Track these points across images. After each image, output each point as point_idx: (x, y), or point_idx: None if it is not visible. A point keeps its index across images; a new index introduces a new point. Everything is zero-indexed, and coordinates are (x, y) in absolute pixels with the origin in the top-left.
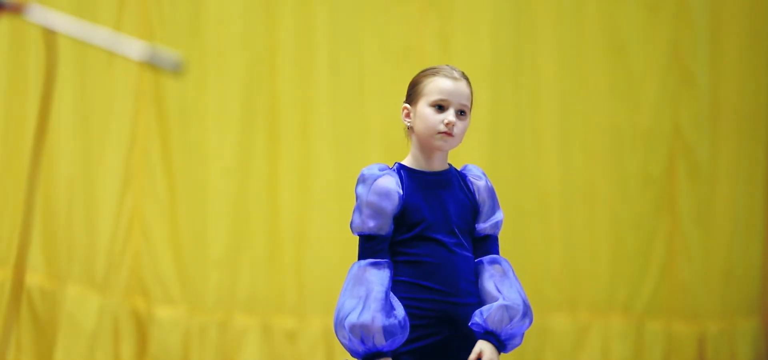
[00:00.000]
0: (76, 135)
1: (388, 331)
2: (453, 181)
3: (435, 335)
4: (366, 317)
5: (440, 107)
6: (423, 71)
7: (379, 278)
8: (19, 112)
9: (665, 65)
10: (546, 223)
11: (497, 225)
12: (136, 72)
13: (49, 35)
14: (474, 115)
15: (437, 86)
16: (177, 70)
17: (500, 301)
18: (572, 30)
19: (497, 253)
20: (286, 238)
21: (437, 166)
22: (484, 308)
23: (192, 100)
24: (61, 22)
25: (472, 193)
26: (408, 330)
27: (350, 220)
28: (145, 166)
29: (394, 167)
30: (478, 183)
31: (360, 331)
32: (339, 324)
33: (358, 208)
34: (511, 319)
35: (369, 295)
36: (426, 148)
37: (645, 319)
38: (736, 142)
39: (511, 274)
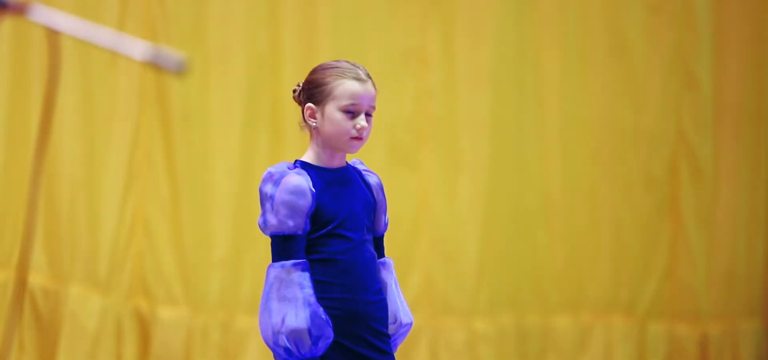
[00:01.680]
0: (79, 135)
1: (323, 335)
2: (353, 177)
3: (349, 333)
4: (301, 322)
5: (351, 112)
6: (325, 69)
7: (304, 280)
8: (22, 112)
9: (668, 67)
10: (548, 225)
11: (387, 225)
12: (140, 72)
13: (52, 35)
14: (476, 116)
15: (347, 90)
16: (180, 70)
17: (409, 321)
18: (575, 31)
19: (384, 253)
20: None
21: (337, 163)
22: (399, 325)
23: (195, 100)
24: (64, 22)
25: (370, 189)
26: (333, 331)
27: (260, 221)
28: (148, 167)
29: (297, 165)
30: (372, 179)
31: (298, 337)
32: (274, 332)
33: (272, 208)
34: (400, 337)
35: (300, 299)
36: (332, 149)
37: (647, 320)
38: (739, 144)
39: (397, 281)
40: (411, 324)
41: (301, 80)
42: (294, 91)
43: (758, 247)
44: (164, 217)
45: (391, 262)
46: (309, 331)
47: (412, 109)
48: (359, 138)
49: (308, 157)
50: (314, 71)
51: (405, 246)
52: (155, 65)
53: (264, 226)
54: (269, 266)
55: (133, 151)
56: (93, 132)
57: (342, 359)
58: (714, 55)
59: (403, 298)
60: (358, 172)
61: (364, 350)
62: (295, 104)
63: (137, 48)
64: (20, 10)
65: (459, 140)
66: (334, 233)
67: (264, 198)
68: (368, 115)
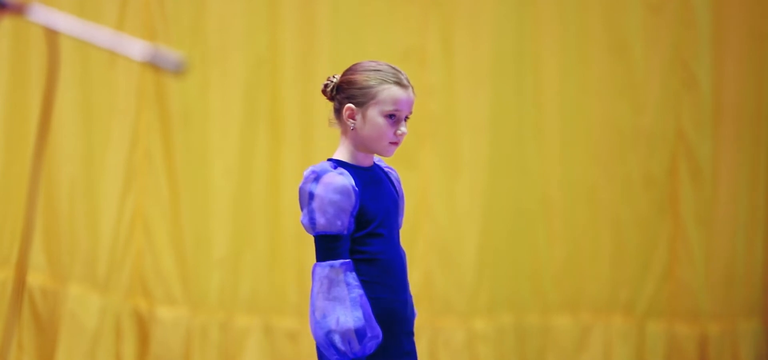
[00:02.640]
0: (78, 135)
1: (375, 334)
2: (381, 175)
3: (390, 332)
4: (355, 321)
5: (392, 117)
6: (367, 70)
7: (354, 279)
8: (21, 111)
9: (667, 67)
10: (547, 224)
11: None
12: (138, 72)
13: (52, 35)
14: (475, 115)
15: (392, 96)
16: (179, 70)
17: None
18: (574, 31)
19: None
20: (288, 238)
21: (369, 162)
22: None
23: (194, 100)
24: (63, 22)
25: (394, 185)
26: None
27: (304, 220)
28: (147, 166)
29: (333, 164)
30: (394, 175)
31: (351, 337)
32: (327, 331)
33: (320, 208)
34: None
35: (352, 300)
36: (368, 150)
37: (646, 320)
38: (738, 143)
39: None
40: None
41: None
42: (325, 86)
43: (757, 247)
44: (163, 217)
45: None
46: (361, 330)
47: None
48: (396, 143)
49: (343, 155)
50: (354, 71)
51: (404, 245)
52: (154, 65)
53: (310, 226)
54: (316, 266)
55: (132, 150)
56: (92, 131)
57: (381, 356)
58: (713, 54)
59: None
60: (382, 169)
61: (402, 349)
62: (294, 103)
63: (136, 48)
64: (19, 10)
65: (458, 139)
66: (374, 233)
67: (308, 197)
68: (406, 119)
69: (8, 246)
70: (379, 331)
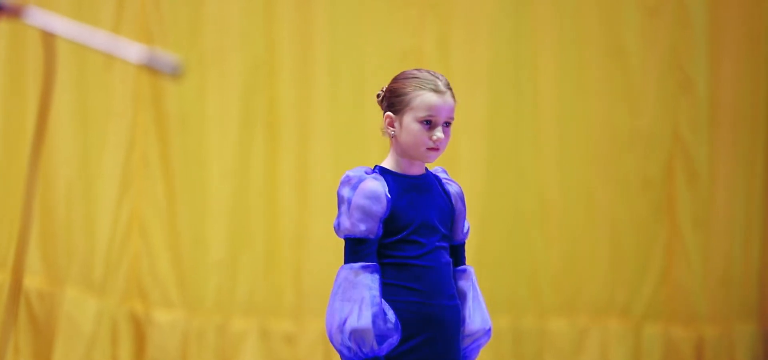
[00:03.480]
0: (74, 137)
1: (384, 336)
2: (432, 184)
3: (420, 337)
4: (364, 322)
5: (428, 123)
6: (405, 78)
7: (372, 282)
8: (17, 114)
9: (664, 69)
10: (544, 226)
11: (468, 233)
12: (135, 75)
13: (48, 38)
14: (472, 117)
15: (426, 102)
16: (176, 73)
17: (487, 327)
18: (571, 33)
19: (466, 261)
20: (285, 241)
21: (417, 170)
22: (476, 334)
23: (191, 103)
24: (60, 24)
25: (449, 197)
26: (400, 333)
27: (335, 223)
28: (144, 169)
29: (376, 170)
30: (452, 188)
31: (360, 337)
32: (336, 330)
33: (347, 212)
34: (476, 349)
35: (364, 300)
36: (410, 157)
37: (643, 322)
38: (735, 146)
39: (477, 286)
40: (490, 330)
41: (297, 83)
42: (377, 96)
43: (754, 249)
44: (160, 220)
45: (472, 270)
46: (371, 331)
47: None
48: (436, 149)
49: (388, 163)
50: (395, 79)
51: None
52: (151, 68)
53: (338, 229)
54: (340, 268)
55: (129, 153)
56: (88, 134)
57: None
58: (709, 57)
59: (483, 304)
60: (439, 180)
61: (439, 353)
62: (291, 106)
63: (133, 50)
64: (16, 13)
65: (455, 141)
66: (408, 239)
67: (340, 201)
68: (447, 125)
69: (5, 248)
70: (394, 334)
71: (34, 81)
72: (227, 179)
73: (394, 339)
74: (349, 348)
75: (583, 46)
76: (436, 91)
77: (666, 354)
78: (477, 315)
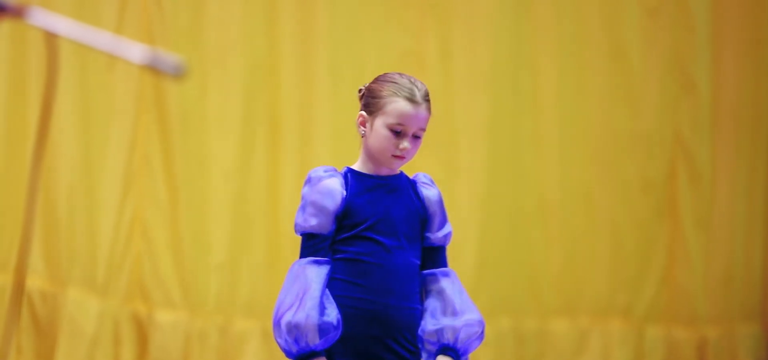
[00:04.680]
0: (76, 138)
1: (322, 330)
2: (402, 187)
3: (365, 334)
4: (300, 316)
5: (397, 132)
6: (385, 81)
7: (316, 276)
8: (20, 115)
9: (666, 70)
10: (546, 228)
11: (448, 237)
12: (137, 75)
13: (51, 38)
14: (473, 119)
15: (398, 110)
16: (178, 73)
17: (466, 319)
18: (572, 35)
19: (447, 265)
20: (286, 242)
21: (386, 171)
22: (448, 326)
23: (193, 103)
24: (63, 25)
25: (422, 201)
26: (341, 329)
27: (295, 220)
28: (146, 170)
29: (343, 170)
30: (428, 192)
31: (295, 330)
32: (276, 323)
33: (302, 208)
34: (470, 337)
35: (305, 294)
36: (373, 159)
37: (645, 324)
38: (737, 147)
39: (463, 288)
40: (480, 321)
41: (299, 84)
42: (359, 91)
43: (756, 251)
44: (162, 221)
45: (454, 273)
46: (308, 325)
47: None
48: (401, 157)
49: (357, 163)
50: (376, 80)
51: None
52: (153, 68)
53: (295, 225)
54: (293, 263)
55: (131, 154)
56: (91, 135)
57: (352, 357)
58: (711, 58)
59: (467, 298)
60: (413, 184)
61: (381, 352)
62: (293, 107)
63: (135, 51)
64: (18, 13)
65: (456, 143)
66: (362, 235)
67: (302, 199)
68: (416, 137)
69: (7, 250)
70: (332, 330)
71: (37, 81)
72: (229, 180)
73: (333, 335)
74: (286, 341)
75: (584, 47)
76: (412, 101)
77: (668, 355)
78: (468, 308)
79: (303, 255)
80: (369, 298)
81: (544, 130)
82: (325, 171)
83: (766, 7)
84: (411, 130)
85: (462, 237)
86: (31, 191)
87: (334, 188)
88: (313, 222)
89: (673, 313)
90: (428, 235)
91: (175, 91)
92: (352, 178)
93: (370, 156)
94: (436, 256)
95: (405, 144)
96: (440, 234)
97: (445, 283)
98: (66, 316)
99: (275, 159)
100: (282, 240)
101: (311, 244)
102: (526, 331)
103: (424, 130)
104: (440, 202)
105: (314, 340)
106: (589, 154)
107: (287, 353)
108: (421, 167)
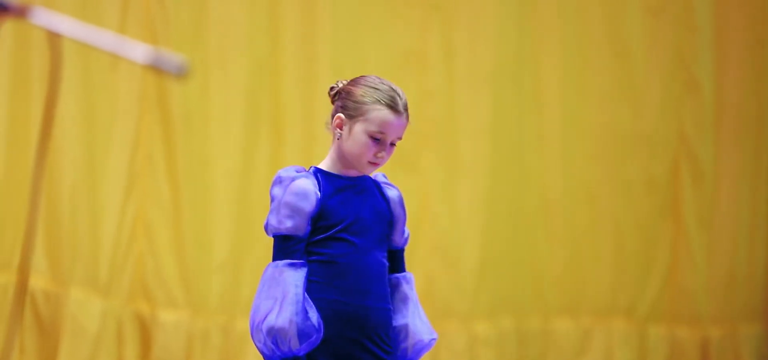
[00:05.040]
0: (79, 138)
1: (304, 334)
2: (369, 187)
3: (343, 335)
4: (283, 320)
5: (377, 139)
6: (367, 86)
7: (294, 279)
8: (23, 115)
9: (669, 70)
10: (548, 227)
11: (407, 240)
12: (140, 75)
13: (54, 38)
14: (477, 118)
15: (381, 118)
16: (181, 73)
17: (418, 339)
18: (575, 34)
19: (405, 269)
20: None
21: (354, 173)
22: (418, 342)
23: (196, 103)
24: (65, 25)
25: (388, 202)
26: (322, 332)
27: (265, 223)
28: (149, 170)
29: (311, 170)
30: (392, 193)
31: (276, 335)
32: (256, 328)
33: (275, 210)
34: (418, 354)
35: (285, 297)
36: (346, 162)
37: (648, 323)
38: (740, 146)
39: (417, 298)
40: (434, 340)
41: (301, 84)
42: (331, 89)
43: (759, 250)
44: (165, 220)
45: (412, 277)
46: (290, 329)
47: (412, 112)
48: (376, 163)
49: (325, 163)
50: (356, 83)
51: (405, 248)
52: (156, 68)
53: (266, 227)
54: (267, 265)
55: (134, 154)
56: (94, 135)
57: (330, 359)
58: (715, 57)
59: (423, 314)
60: (377, 184)
61: (358, 353)
62: (296, 107)
63: (138, 51)
64: (21, 13)
65: (459, 143)
66: (336, 237)
67: (272, 200)
68: (392, 144)
69: (10, 249)
70: (314, 333)
71: (40, 81)
72: (232, 180)
73: (315, 338)
74: (267, 346)
75: (587, 47)
76: (394, 109)
77: (671, 355)
78: (418, 322)
79: (277, 257)
80: (345, 300)
81: (546, 129)
82: (297, 171)
83: None
84: (390, 138)
85: (464, 236)
86: (34, 191)
87: (309, 189)
88: (288, 224)
89: (676, 312)
90: (393, 237)
91: (177, 90)
92: (322, 178)
93: (342, 158)
94: (397, 258)
95: (383, 153)
96: (403, 237)
97: (407, 291)
98: (69, 316)
99: (277, 159)
100: None
101: (286, 246)
102: (528, 331)
103: (401, 138)
104: (402, 202)
105: (296, 345)
106: (591, 153)
107: (268, 357)
108: (425, 167)
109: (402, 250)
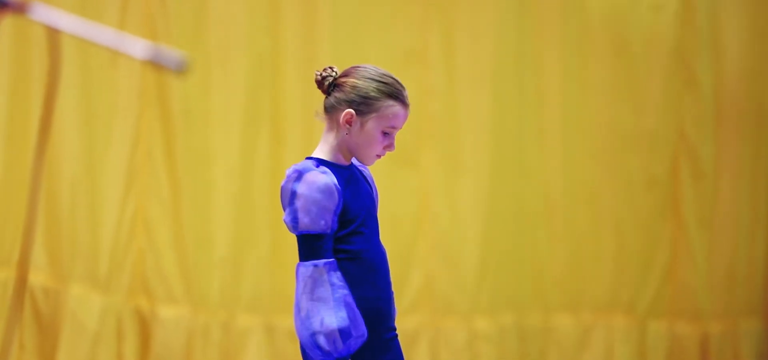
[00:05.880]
0: (79, 134)
1: (361, 333)
2: (356, 173)
3: (374, 330)
4: (340, 321)
5: (387, 133)
6: (375, 80)
7: (338, 280)
8: (22, 111)
9: (669, 67)
10: (549, 225)
11: None
12: (140, 71)
13: (53, 34)
14: (477, 116)
15: (396, 114)
16: (181, 69)
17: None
18: (575, 31)
19: None
20: (289, 238)
21: (347, 161)
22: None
23: (196, 99)
24: (65, 21)
25: (372, 188)
26: (366, 329)
27: (287, 219)
28: (149, 166)
29: (316, 163)
30: (368, 173)
31: (337, 337)
32: (314, 332)
33: (304, 207)
34: None
35: (336, 298)
36: (351, 154)
37: (648, 319)
38: (740, 144)
39: None
40: None
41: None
42: (322, 78)
43: (759, 247)
44: (165, 216)
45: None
46: (345, 330)
47: (412, 110)
48: (381, 155)
49: (324, 153)
50: (358, 75)
51: (406, 246)
52: (156, 64)
53: (293, 225)
54: (299, 265)
55: (134, 150)
56: (93, 131)
57: (370, 355)
58: (715, 55)
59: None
60: (357, 168)
61: (386, 345)
62: (296, 103)
63: (138, 47)
64: (21, 9)
65: (460, 141)
66: (357, 231)
67: (291, 196)
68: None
69: (10, 245)
70: (364, 329)
71: (39, 77)
72: (232, 176)
73: (365, 336)
74: (322, 349)
75: (587, 44)
76: (404, 103)
77: (671, 351)
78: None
79: (310, 256)
80: (377, 295)
81: (547, 127)
82: (317, 166)
83: None
84: (397, 131)
85: (465, 233)
86: (34, 187)
87: (333, 185)
88: (322, 222)
89: (676, 309)
90: None
91: (177, 87)
92: (333, 171)
93: (343, 150)
94: None
95: (393, 144)
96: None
97: None
98: (68, 312)
99: (278, 155)
100: (284, 236)
101: (318, 245)
102: (529, 327)
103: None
104: (373, 179)
105: (354, 345)
106: (592, 151)
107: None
108: (426, 165)
109: None
